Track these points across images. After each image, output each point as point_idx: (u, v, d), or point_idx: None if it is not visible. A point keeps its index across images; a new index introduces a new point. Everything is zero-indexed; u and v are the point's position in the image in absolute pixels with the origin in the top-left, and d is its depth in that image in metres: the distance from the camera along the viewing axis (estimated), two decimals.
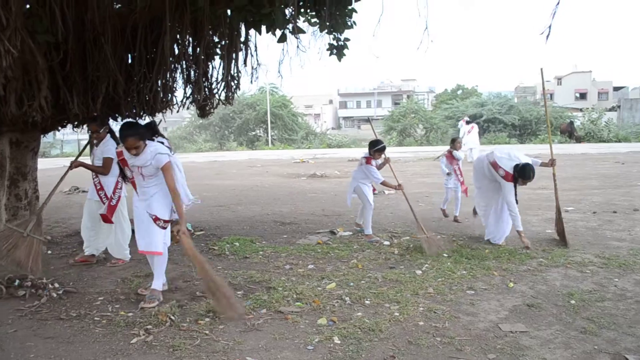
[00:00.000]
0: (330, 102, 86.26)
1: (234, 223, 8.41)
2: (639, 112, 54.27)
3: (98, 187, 5.96)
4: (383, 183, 7.07)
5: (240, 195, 12.19)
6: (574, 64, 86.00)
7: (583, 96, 73.40)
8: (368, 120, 8.64)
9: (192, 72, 6.63)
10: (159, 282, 4.76)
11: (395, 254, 6.12)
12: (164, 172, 4.63)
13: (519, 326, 3.93)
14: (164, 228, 4.88)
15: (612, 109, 55.23)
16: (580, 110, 48.37)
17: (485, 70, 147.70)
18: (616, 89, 75.94)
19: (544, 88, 7.54)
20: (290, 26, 6.04)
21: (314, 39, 7.43)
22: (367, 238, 7.01)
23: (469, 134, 19.89)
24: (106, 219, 5.90)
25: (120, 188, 5.96)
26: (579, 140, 37.53)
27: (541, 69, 7.13)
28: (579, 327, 3.89)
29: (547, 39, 4.47)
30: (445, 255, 5.97)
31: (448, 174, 8.46)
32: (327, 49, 7.30)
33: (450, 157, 8.37)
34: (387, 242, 6.72)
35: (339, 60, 7.28)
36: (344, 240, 6.91)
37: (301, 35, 6.96)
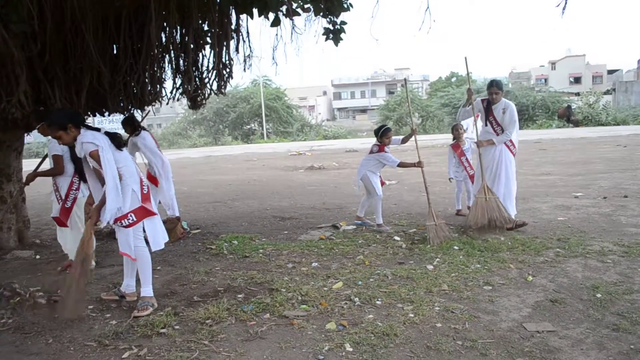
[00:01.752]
0: (324, 93, 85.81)
1: (231, 220, 8.07)
2: (634, 95, 54.13)
3: (54, 188, 5.55)
4: (400, 164, 6.79)
5: (237, 190, 11.84)
6: (568, 47, 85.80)
7: (577, 80, 73.18)
8: (404, 80, 8.09)
9: (182, 62, 6.25)
10: (147, 288, 4.37)
11: (403, 248, 5.79)
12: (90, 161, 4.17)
13: (546, 325, 3.60)
14: (130, 226, 4.29)
15: (607, 92, 55.02)
16: (577, 94, 48.16)
17: (479, 57, 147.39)
18: (610, 72, 75.75)
19: (468, 77, 7.33)
20: (284, 8, 5.68)
21: (309, 24, 7.12)
22: (378, 227, 6.79)
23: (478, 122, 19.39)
24: (59, 222, 5.50)
25: (76, 189, 5.50)
26: (577, 124, 37.26)
27: (465, 58, 6.80)
28: (610, 324, 3.57)
29: (563, 11, 4.14)
30: (456, 247, 5.64)
31: (450, 179, 7.94)
32: (323, 34, 6.96)
33: (457, 147, 7.77)
34: (397, 238, 6.31)
35: (336, 44, 6.96)
36: (348, 235, 6.57)
37: (296, 20, 6.62)
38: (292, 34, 6.99)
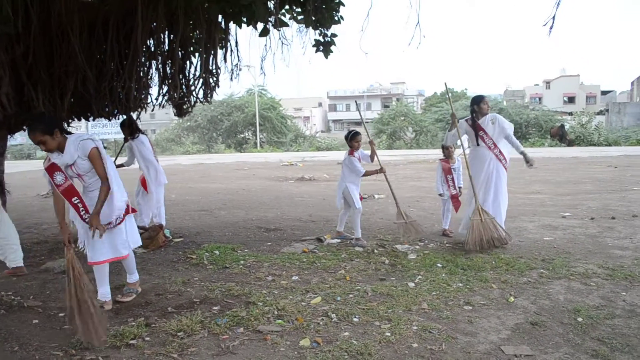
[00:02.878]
0: (320, 104, 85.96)
1: (215, 229, 7.97)
2: (627, 116, 54.52)
3: None
4: (365, 174, 6.76)
5: (224, 199, 11.74)
6: (562, 67, 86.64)
7: (571, 100, 73.69)
8: (356, 104, 8.23)
9: (168, 69, 6.17)
10: (134, 275, 4.80)
11: (386, 264, 5.71)
12: (91, 161, 4.13)
13: (524, 349, 3.52)
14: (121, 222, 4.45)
15: (600, 113, 55.43)
16: (570, 114, 48.46)
17: (474, 74, 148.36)
18: (604, 92, 76.37)
19: (449, 99, 7.33)
20: (273, 19, 5.63)
21: (300, 36, 7.08)
22: (356, 242, 6.71)
23: None
24: None
25: None
26: (571, 143, 37.40)
27: (445, 83, 7.07)
28: (589, 349, 3.49)
29: (550, 30, 4.10)
30: (439, 265, 5.56)
31: (440, 195, 7.55)
32: (314, 45, 6.93)
33: (446, 163, 7.58)
34: (378, 252, 6.26)
35: (326, 57, 6.91)
36: (332, 248, 6.49)
37: (287, 33, 6.59)
38: (281, 45, 6.97)
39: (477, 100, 6.74)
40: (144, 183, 7.11)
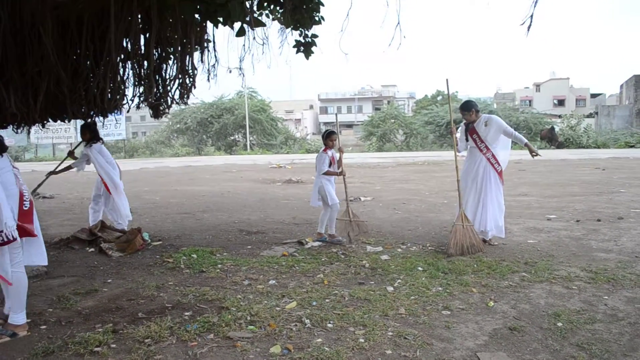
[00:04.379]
0: (311, 107, 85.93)
1: (196, 232, 7.83)
2: (616, 119, 54.88)
3: None
4: (326, 173, 6.86)
5: (209, 201, 11.60)
6: (552, 70, 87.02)
7: (561, 103, 74.06)
8: (335, 115, 8.22)
9: (144, 69, 6.04)
10: (18, 316, 3.86)
11: (366, 267, 5.59)
12: None
13: (500, 355, 3.42)
14: (4, 244, 3.66)
15: (589, 116, 55.73)
16: (559, 116, 48.67)
17: (465, 77, 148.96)
18: (593, 95, 76.83)
19: (449, 98, 7.23)
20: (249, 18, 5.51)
21: (281, 36, 6.98)
22: (330, 238, 6.81)
23: None
24: None
25: None
26: (561, 146, 37.52)
27: (447, 80, 6.96)
28: (567, 356, 3.39)
29: (528, 30, 4.02)
30: (420, 268, 5.46)
31: None
32: (294, 46, 6.82)
33: None
34: (356, 255, 6.17)
35: (307, 57, 6.83)
36: (312, 252, 6.37)
37: (270, 34, 6.48)
38: (262, 45, 6.86)
39: (461, 108, 6.77)
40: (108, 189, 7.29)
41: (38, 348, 3.57)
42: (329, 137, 6.96)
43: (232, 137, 50.70)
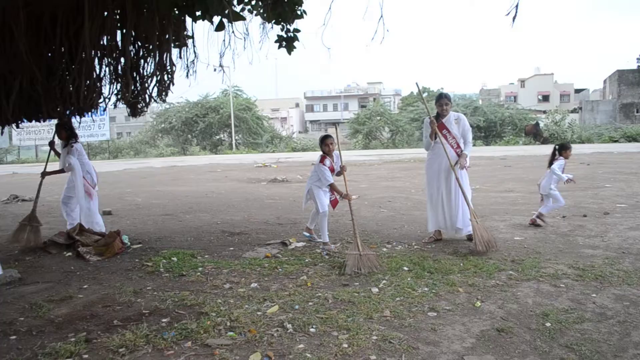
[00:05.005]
0: (297, 105, 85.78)
1: (178, 234, 7.65)
2: (599, 114, 55.43)
3: None
4: (331, 185, 6.56)
5: (192, 202, 11.41)
6: (537, 66, 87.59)
7: (546, 98, 74.58)
8: (335, 125, 7.94)
9: (121, 66, 5.85)
10: None
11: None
12: None
13: (488, 358, 3.30)
14: None
15: (573, 111, 56.20)
16: (544, 112, 48.97)
17: (451, 73, 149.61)
18: (577, 91, 77.49)
19: (424, 102, 6.92)
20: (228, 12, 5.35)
21: (264, 31, 6.82)
22: (323, 246, 6.48)
23: None
24: None
25: None
26: (545, 141, 37.75)
27: (417, 83, 6.89)
28: (557, 357, 3.29)
29: (513, 20, 3.91)
30: (405, 268, 5.34)
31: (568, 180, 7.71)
32: (276, 41, 6.68)
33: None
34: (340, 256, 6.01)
35: (289, 53, 6.69)
36: (296, 253, 6.23)
37: (252, 29, 6.31)
38: (244, 41, 6.70)
39: (438, 98, 6.66)
40: (87, 192, 7.22)
41: None
42: (323, 142, 6.65)
43: (218, 137, 50.40)
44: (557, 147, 7.71)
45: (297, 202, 10.70)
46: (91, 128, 46.06)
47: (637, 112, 55.90)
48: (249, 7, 6.59)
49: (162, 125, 49.06)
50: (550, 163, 7.53)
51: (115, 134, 65.30)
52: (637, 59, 57.84)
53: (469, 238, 6.49)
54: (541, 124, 40.72)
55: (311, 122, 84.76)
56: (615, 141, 36.92)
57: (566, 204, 9.18)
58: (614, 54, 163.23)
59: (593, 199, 9.86)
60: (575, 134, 39.16)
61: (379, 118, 45.25)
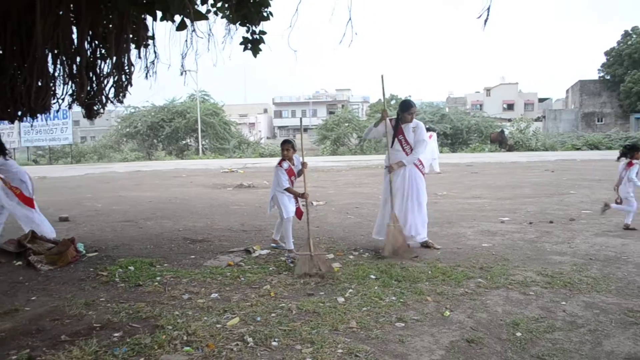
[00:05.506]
0: (265, 111, 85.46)
1: (137, 241, 7.34)
2: (562, 123, 56.64)
3: None
4: (287, 189, 6.38)
5: (154, 208, 11.06)
6: (502, 76, 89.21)
7: (510, 107, 75.90)
8: (300, 119, 7.74)
9: (76, 65, 5.55)
10: None
11: (316, 276, 5.27)
12: None
13: None
14: None
15: (537, 119, 57.30)
16: (509, 120, 49.77)
17: (419, 81, 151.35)
18: (541, 100, 79.18)
19: (383, 95, 6.62)
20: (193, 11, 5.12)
21: (227, 33, 6.62)
22: (289, 253, 6.26)
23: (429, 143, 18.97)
24: None
25: None
26: (510, 149, 38.30)
27: (382, 76, 6.54)
28: None
29: (485, 23, 3.80)
30: (372, 276, 5.18)
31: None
32: (241, 43, 6.48)
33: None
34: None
35: (254, 55, 6.49)
36: (259, 261, 6.01)
37: (218, 31, 6.11)
38: (208, 42, 6.48)
39: (403, 109, 6.55)
40: (26, 201, 7.06)
41: None
42: (281, 147, 6.54)
43: (184, 142, 49.67)
44: (626, 147, 7.66)
45: (262, 208, 10.46)
46: (53, 132, 44.91)
47: (599, 121, 57.39)
48: (215, 9, 6.39)
49: (127, 130, 48.09)
50: (623, 159, 7.64)
51: (79, 138, 63.84)
52: (599, 69, 59.29)
53: (425, 245, 6.48)
54: (506, 132, 41.32)
55: (279, 128, 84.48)
56: (578, 149, 37.67)
57: (532, 211, 9.21)
58: (577, 65, 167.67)
59: (559, 205, 9.90)
60: (539, 142, 39.84)
61: (347, 124, 45.26)
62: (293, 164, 6.49)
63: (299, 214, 6.52)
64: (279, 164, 6.46)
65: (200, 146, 46.89)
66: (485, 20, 3.78)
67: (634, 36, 55.45)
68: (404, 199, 6.42)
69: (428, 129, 20.39)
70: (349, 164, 27.49)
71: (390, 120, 6.57)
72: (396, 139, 6.45)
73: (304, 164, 6.39)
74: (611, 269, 5.37)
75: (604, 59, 58.50)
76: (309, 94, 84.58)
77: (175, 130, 47.29)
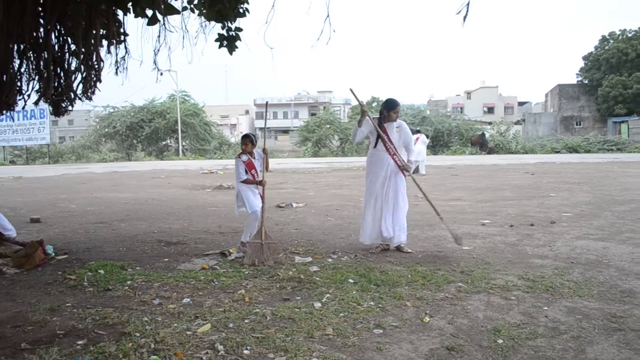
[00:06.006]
0: (247, 112, 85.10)
1: (109, 244, 7.11)
2: (541, 126, 57.24)
3: None
4: (245, 181, 6.30)
5: (130, 209, 10.80)
6: (482, 79, 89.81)
7: (491, 110, 76.54)
8: (264, 114, 7.60)
9: (43, 60, 5.32)
10: None
11: (293, 280, 5.11)
12: None
13: None
14: None
15: (517, 123, 57.82)
16: (489, 123, 50.11)
17: (400, 84, 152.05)
18: (521, 104, 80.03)
19: (359, 102, 6.43)
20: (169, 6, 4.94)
21: (202, 29, 6.44)
22: (240, 245, 6.29)
23: (415, 145, 18.85)
24: None
25: None
26: (491, 152, 38.52)
27: (350, 89, 6.48)
28: None
29: (464, 19, 3.68)
30: (351, 280, 5.03)
31: None
32: (216, 40, 6.31)
33: None
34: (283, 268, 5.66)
35: (230, 53, 6.33)
36: (235, 264, 5.83)
37: (191, 27, 5.93)
38: (183, 39, 6.29)
39: (389, 107, 6.41)
40: None
41: None
42: (241, 141, 6.49)
43: (164, 142, 49.15)
44: None
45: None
46: (30, 131, 44.16)
47: (577, 124, 58.10)
48: (191, 6, 6.20)
49: (106, 130, 47.45)
50: None
51: (57, 138, 62.92)
52: (577, 74, 60.03)
53: (398, 248, 6.41)
54: (487, 135, 41.57)
55: (261, 129, 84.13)
56: (557, 152, 38.05)
57: (513, 213, 9.15)
58: (556, 69, 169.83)
59: (539, 207, 9.86)
60: (519, 145, 40.16)
61: (328, 126, 45.18)
62: (254, 158, 6.41)
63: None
64: (239, 156, 6.41)
65: (181, 147, 46.42)
66: (465, 17, 3.66)
67: (611, 41, 56.25)
68: (382, 199, 6.33)
69: (417, 131, 20.44)
70: (331, 165, 27.37)
71: (373, 119, 6.42)
72: (379, 140, 6.31)
73: (264, 150, 6.41)
74: (593, 272, 5.29)
75: (582, 64, 59.27)
76: (291, 96, 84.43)
77: (155, 130, 46.77)
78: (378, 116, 6.49)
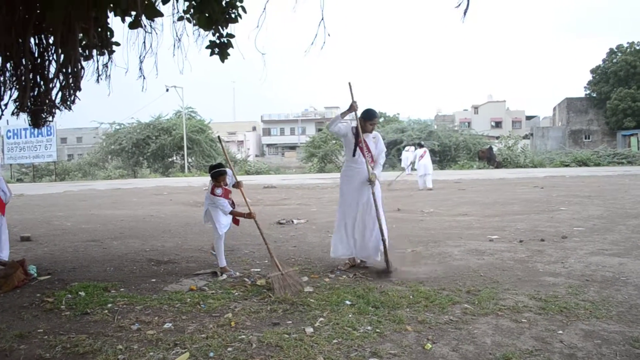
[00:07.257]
0: (254, 129, 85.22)
1: (97, 263, 6.77)
2: (550, 140, 56.78)
3: None
4: (231, 213, 6.00)
5: (125, 227, 10.48)
6: (489, 94, 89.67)
7: (498, 124, 76.22)
8: (219, 139, 7.30)
9: (21, 68, 5.03)
10: None
11: (284, 303, 4.74)
12: None
13: None
14: None
15: (525, 137, 57.43)
16: (497, 137, 49.75)
17: (407, 99, 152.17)
18: (528, 118, 79.69)
19: (353, 99, 6.01)
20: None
21: (198, 38, 6.17)
22: (222, 271, 5.92)
23: (422, 159, 18.73)
24: None
25: None
26: (499, 166, 38.13)
27: (349, 83, 6.04)
28: None
29: (464, 14, 3.36)
30: (348, 302, 4.66)
31: None
32: (207, 47, 6.01)
33: None
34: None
35: (222, 60, 6.04)
36: (225, 285, 5.47)
37: (184, 39, 5.67)
38: (174, 45, 6.02)
39: (367, 117, 6.08)
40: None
41: None
42: (215, 177, 5.99)
43: (170, 159, 49.08)
44: None
45: (240, 227, 9.93)
46: (37, 149, 44.25)
47: (586, 138, 57.59)
48: (187, 15, 5.94)
49: (112, 147, 47.45)
50: None
51: (65, 156, 63.11)
52: (585, 87, 59.65)
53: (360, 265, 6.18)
54: (494, 149, 41.18)
55: (268, 145, 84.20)
56: (567, 165, 37.56)
57: (522, 228, 8.75)
58: (564, 82, 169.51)
59: (549, 222, 9.45)
60: (527, 159, 39.72)
61: (334, 142, 44.95)
62: (226, 184, 6.06)
63: (235, 222, 6.29)
64: (212, 192, 5.95)
65: (186, 163, 46.30)
66: (465, 11, 3.34)
67: (619, 54, 55.91)
68: (362, 212, 6.03)
69: (420, 145, 20.10)
70: (336, 181, 26.91)
71: (352, 127, 6.14)
72: (357, 148, 6.01)
73: (239, 183, 6.09)
74: (610, 291, 4.88)
75: (590, 77, 58.90)
76: (298, 112, 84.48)
77: (161, 147, 46.71)
78: (356, 124, 6.10)
